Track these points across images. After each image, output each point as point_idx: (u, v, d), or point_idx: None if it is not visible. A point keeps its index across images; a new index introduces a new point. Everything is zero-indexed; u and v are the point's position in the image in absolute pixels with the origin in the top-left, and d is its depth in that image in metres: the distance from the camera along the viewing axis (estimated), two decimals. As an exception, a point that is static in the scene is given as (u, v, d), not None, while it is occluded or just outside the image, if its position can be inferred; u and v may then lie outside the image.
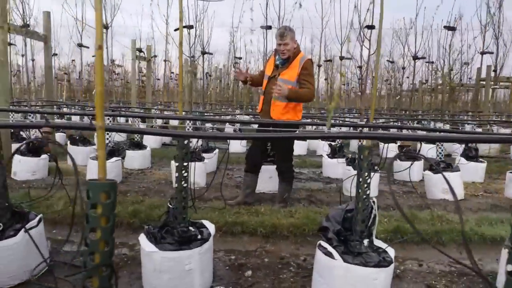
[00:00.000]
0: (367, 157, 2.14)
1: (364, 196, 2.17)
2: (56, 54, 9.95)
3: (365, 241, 2.17)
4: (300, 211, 3.64)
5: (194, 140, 5.03)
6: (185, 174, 2.28)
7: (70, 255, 2.72)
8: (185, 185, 2.27)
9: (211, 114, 7.48)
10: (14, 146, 5.14)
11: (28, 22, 4.88)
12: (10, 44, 4.95)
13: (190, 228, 2.30)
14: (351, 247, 2.15)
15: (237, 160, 6.43)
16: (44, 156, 4.90)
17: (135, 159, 5.76)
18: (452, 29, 7.76)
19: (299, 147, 8.01)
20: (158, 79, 14.95)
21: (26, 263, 2.32)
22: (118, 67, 16.32)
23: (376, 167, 4.58)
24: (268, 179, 4.46)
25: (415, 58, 6.88)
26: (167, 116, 6.59)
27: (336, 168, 5.69)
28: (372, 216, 2.27)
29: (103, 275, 1.08)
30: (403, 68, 9.22)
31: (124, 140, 5.67)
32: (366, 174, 2.15)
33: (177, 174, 2.28)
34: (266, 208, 3.71)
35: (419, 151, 4.78)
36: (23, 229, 2.28)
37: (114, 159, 4.76)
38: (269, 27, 9.41)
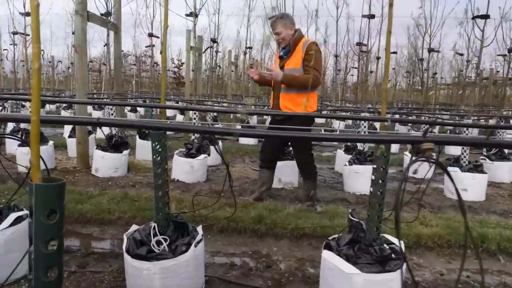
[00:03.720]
0: None
1: None
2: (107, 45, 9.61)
3: None
4: (429, 217, 3.33)
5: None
6: (382, 181, 1.97)
7: (221, 268, 2.44)
8: (382, 194, 1.96)
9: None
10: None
11: (110, 10, 4.59)
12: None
13: (384, 245, 2.00)
14: None
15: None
16: (125, 152, 4.65)
17: (212, 155, 5.48)
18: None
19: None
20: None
21: (194, 281, 2.06)
22: (149, 58, 16.04)
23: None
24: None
25: None
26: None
27: (419, 168, 5.35)
28: None
29: None
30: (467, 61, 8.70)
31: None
32: None
33: (373, 177, 1.99)
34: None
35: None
36: (193, 244, 2.01)
37: (202, 156, 4.49)
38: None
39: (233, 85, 12.47)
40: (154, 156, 2.01)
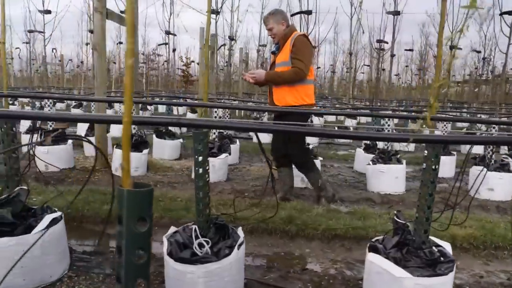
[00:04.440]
0: None
1: None
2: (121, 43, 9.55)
3: None
4: (461, 218, 3.25)
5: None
6: (432, 182, 1.91)
7: (258, 271, 2.39)
8: (432, 196, 1.90)
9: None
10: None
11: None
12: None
13: (433, 248, 1.95)
14: None
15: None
16: (145, 151, 4.61)
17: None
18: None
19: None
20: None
21: (236, 285, 2.01)
22: (158, 56, 16.00)
23: None
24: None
25: None
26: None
27: (444, 166, 5.28)
28: None
29: None
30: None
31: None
32: None
33: (423, 178, 1.93)
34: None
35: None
36: (236, 247, 1.96)
37: (223, 155, 4.44)
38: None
39: (244, 83, 12.40)
40: (196, 156, 1.96)
